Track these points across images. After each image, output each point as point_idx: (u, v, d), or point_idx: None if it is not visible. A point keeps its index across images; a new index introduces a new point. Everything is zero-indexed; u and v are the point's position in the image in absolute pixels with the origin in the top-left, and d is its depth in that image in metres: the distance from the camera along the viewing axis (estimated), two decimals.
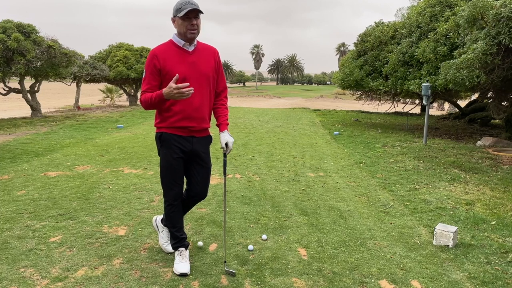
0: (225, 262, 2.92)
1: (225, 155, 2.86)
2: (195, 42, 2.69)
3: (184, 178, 2.87)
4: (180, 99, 2.54)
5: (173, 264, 2.89)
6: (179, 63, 2.61)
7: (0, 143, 8.19)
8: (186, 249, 2.90)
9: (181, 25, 2.57)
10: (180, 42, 2.64)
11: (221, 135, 2.83)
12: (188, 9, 2.50)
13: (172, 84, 2.42)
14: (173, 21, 2.63)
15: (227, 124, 2.87)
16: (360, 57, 12.64)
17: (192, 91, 2.44)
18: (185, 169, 2.83)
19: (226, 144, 2.80)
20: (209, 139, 2.88)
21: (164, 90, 2.45)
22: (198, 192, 2.87)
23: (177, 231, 2.90)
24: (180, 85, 2.41)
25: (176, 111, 2.63)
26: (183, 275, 2.73)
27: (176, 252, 2.89)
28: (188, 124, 2.67)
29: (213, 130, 2.97)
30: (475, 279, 2.81)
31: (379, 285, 2.71)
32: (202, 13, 2.59)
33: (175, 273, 2.76)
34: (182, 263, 2.80)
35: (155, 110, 2.71)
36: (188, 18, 2.55)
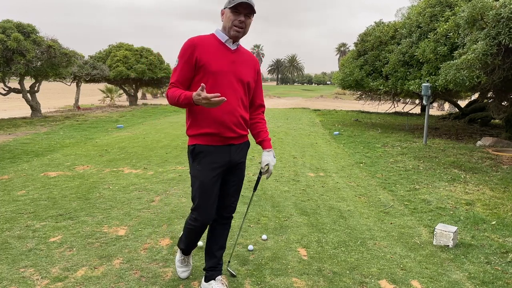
0: (229, 262, 2.91)
1: (261, 173, 2.56)
2: (238, 43, 2.41)
3: None
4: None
5: (173, 264, 2.89)
6: (219, 57, 2.31)
7: (0, 143, 8.19)
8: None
9: (227, 18, 2.29)
10: (223, 37, 2.34)
11: (264, 154, 2.51)
12: (240, 1, 2.22)
13: (200, 92, 2.06)
14: (222, 13, 2.36)
15: (270, 140, 2.58)
16: (360, 57, 12.65)
17: (224, 99, 2.07)
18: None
19: (267, 165, 2.51)
20: (247, 145, 2.52)
21: (194, 95, 2.11)
22: (226, 205, 2.50)
23: (192, 244, 2.64)
24: (210, 95, 2.05)
25: (205, 113, 2.30)
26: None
27: (180, 256, 2.77)
28: (220, 130, 2.30)
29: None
30: (475, 279, 2.81)
31: (379, 285, 2.71)
32: (255, 12, 2.30)
33: (179, 276, 2.71)
34: (184, 269, 2.75)
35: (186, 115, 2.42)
36: (237, 13, 2.26)
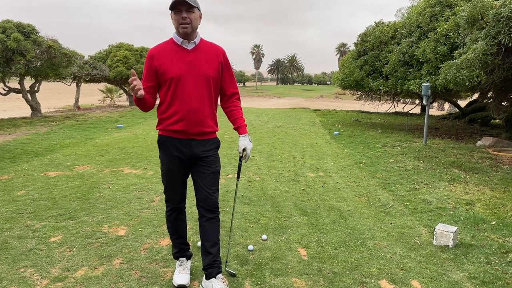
0: (226, 262, 2.92)
1: (240, 159, 2.68)
2: (196, 40, 2.48)
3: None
4: (175, 100, 2.43)
5: (173, 264, 2.89)
6: (176, 62, 2.43)
7: (0, 143, 8.18)
8: (188, 260, 2.78)
9: (174, 21, 2.41)
10: (179, 40, 2.46)
11: (240, 139, 2.63)
12: (176, 0, 2.32)
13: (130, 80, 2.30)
14: (171, 17, 2.45)
15: (246, 126, 2.68)
16: (360, 57, 12.65)
17: (139, 86, 2.27)
18: (190, 174, 2.64)
19: (244, 149, 2.62)
20: (213, 141, 2.59)
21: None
22: (203, 197, 2.55)
23: (178, 238, 2.73)
24: (130, 79, 2.26)
25: (171, 113, 2.46)
26: (181, 287, 2.59)
27: (177, 262, 2.75)
28: (184, 127, 2.46)
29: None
30: (475, 279, 2.81)
31: (379, 285, 2.71)
32: (195, 6, 2.38)
33: (173, 285, 2.62)
34: (181, 275, 2.66)
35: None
36: (179, 11, 2.36)
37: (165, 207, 2.72)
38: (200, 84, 2.46)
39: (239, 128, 2.66)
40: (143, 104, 2.46)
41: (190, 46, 2.47)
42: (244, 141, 2.63)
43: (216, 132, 2.65)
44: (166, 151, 2.54)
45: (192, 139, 2.52)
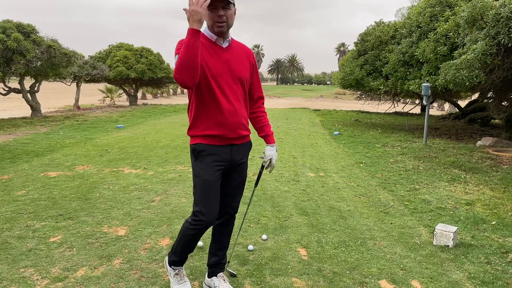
0: (228, 262, 2.91)
1: (262, 167, 2.58)
2: (229, 38, 2.32)
3: None
4: (212, 101, 2.19)
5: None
6: (214, 59, 2.23)
7: (0, 143, 8.18)
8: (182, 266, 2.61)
9: (208, 17, 2.19)
10: (213, 37, 2.26)
11: (268, 149, 2.52)
12: None
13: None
14: None
15: (273, 134, 2.57)
16: (360, 57, 12.66)
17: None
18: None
19: (270, 160, 2.51)
20: (249, 145, 2.47)
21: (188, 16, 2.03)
22: (230, 203, 2.46)
23: (186, 252, 2.48)
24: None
25: (209, 115, 2.25)
26: None
27: (172, 272, 2.53)
28: (224, 132, 2.27)
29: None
30: (475, 279, 2.81)
31: (379, 285, 2.71)
32: (231, 2, 2.20)
33: None
34: (183, 284, 2.50)
35: (188, 117, 2.34)
36: (215, 9, 2.16)
37: (191, 220, 2.32)
38: (236, 84, 2.31)
39: (268, 136, 2.54)
40: (193, 64, 2.01)
41: (224, 44, 2.30)
42: (271, 151, 2.52)
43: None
44: (205, 159, 2.28)
45: (232, 144, 2.34)
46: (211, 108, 2.24)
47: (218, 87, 2.23)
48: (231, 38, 2.34)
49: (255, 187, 2.72)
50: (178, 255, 2.49)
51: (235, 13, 2.27)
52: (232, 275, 2.77)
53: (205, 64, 2.19)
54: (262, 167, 2.57)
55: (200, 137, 2.29)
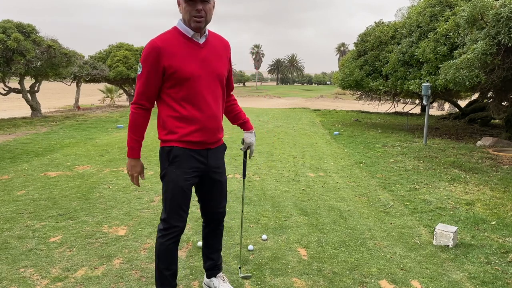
0: (239, 268, 2.84)
1: (245, 156, 2.54)
2: (206, 33, 2.14)
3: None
4: (190, 106, 2.08)
5: None
6: (189, 59, 2.06)
7: (0, 143, 8.19)
8: None
9: (184, 10, 2.03)
10: (189, 32, 2.08)
11: (246, 135, 2.45)
12: None
13: (134, 174, 2.31)
14: (178, 3, 2.09)
15: (249, 121, 2.51)
16: (360, 57, 12.66)
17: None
18: (197, 186, 2.33)
19: (249, 146, 2.47)
20: (224, 147, 2.37)
21: (128, 163, 2.30)
22: (212, 210, 2.38)
23: (171, 270, 2.25)
24: (136, 179, 2.31)
25: (187, 121, 2.10)
26: None
27: None
28: (204, 137, 2.15)
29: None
30: (475, 279, 2.81)
31: (379, 285, 2.71)
32: None
33: None
34: None
35: (157, 119, 2.22)
36: (193, 2, 2.00)
37: (161, 235, 2.19)
38: (215, 85, 2.16)
39: (245, 123, 2.47)
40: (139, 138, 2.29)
41: (201, 40, 2.12)
42: (252, 138, 2.46)
43: None
44: (181, 165, 2.14)
45: (207, 149, 2.21)
46: (192, 113, 2.09)
47: (197, 91, 2.08)
48: (208, 31, 2.17)
49: (244, 178, 2.67)
50: (164, 280, 2.25)
51: (214, 7, 2.11)
52: (246, 278, 2.73)
53: (179, 69, 2.03)
54: (245, 156, 2.55)
55: (177, 141, 2.13)
